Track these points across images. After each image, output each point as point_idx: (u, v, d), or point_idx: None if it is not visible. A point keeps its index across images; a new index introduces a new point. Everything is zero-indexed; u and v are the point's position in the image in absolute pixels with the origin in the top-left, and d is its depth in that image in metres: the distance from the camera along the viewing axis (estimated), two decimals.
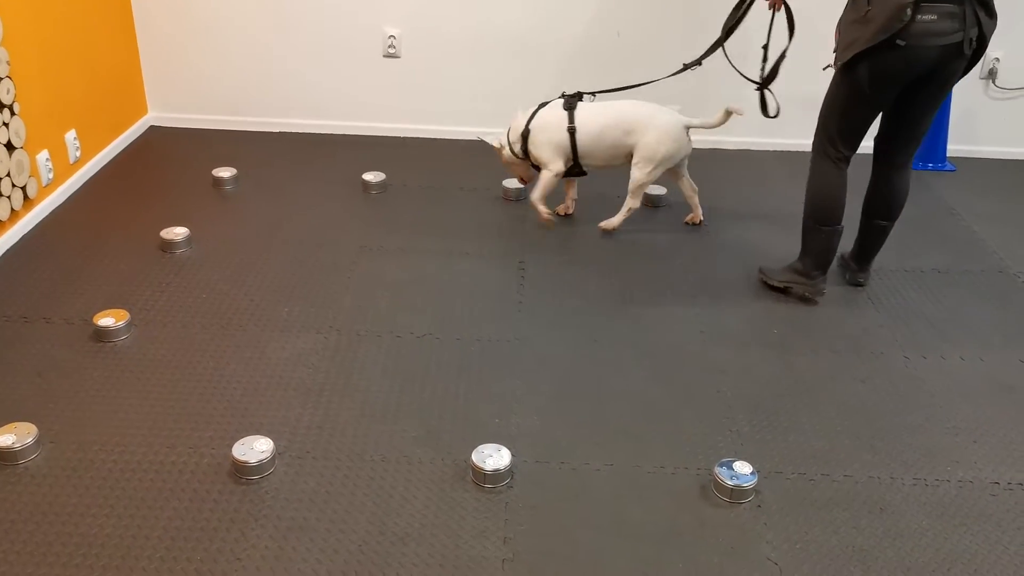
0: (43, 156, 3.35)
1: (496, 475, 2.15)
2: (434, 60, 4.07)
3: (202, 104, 4.25)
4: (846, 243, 3.01)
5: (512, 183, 3.65)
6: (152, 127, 4.27)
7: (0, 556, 1.90)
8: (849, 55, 2.61)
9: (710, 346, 2.74)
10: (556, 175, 3.32)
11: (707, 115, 3.24)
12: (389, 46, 3.95)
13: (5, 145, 3.06)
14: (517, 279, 3.08)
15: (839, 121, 2.78)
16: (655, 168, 3.24)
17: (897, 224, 3.00)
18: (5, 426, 2.22)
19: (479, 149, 3.65)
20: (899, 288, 3.11)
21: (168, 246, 3.18)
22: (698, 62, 3.22)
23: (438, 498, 2.11)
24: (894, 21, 2.49)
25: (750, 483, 2.14)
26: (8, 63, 3.05)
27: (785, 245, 3.21)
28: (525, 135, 3.30)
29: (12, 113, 3.09)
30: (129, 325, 2.70)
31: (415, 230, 3.40)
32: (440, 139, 4.23)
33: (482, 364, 2.62)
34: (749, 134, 4.17)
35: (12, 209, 3.14)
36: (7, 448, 2.15)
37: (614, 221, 3.37)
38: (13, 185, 3.14)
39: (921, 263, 3.27)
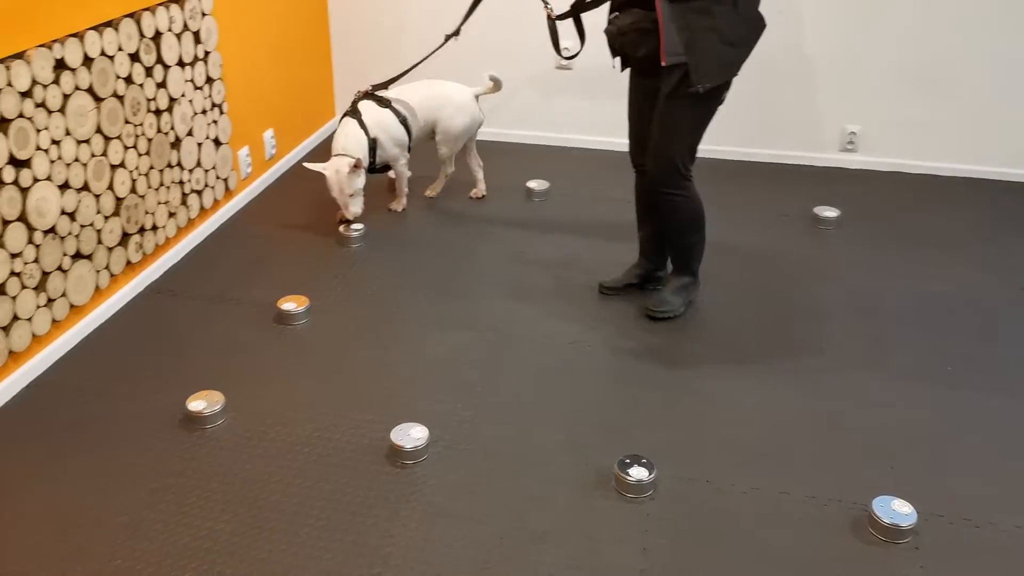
0: (244, 152, 3.68)
1: (639, 486, 2.16)
2: (607, 69, 4.12)
3: None
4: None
5: None
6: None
7: (186, 508, 2.11)
8: (726, 78, 2.57)
9: (875, 378, 2.63)
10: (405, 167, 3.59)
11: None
12: (578, 52, 4.04)
13: (213, 141, 3.39)
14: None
15: (697, 140, 2.70)
16: (457, 141, 3.61)
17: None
18: (198, 393, 2.46)
19: None
20: None
21: (345, 241, 3.41)
22: (456, 32, 3.26)
23: (579, 502, 2.16)
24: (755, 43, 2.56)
25: (909, 523, 2.04)
26: (221, 66, 3.38)
27: None
28: (373, 144, 3.37)
29: (221, 112, 3.42)
30: (308, 311, 2.92)
31: (574, 238, 3.46)
32: (606, 150, 4.28)
33: (632, 375, 2.64)
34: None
35: (215, 199, 3.47)
36: (198, 413, 2.39)
37: (438, 188, 3.78)
38: (218, 177, 3.47)
39: None
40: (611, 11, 2.66)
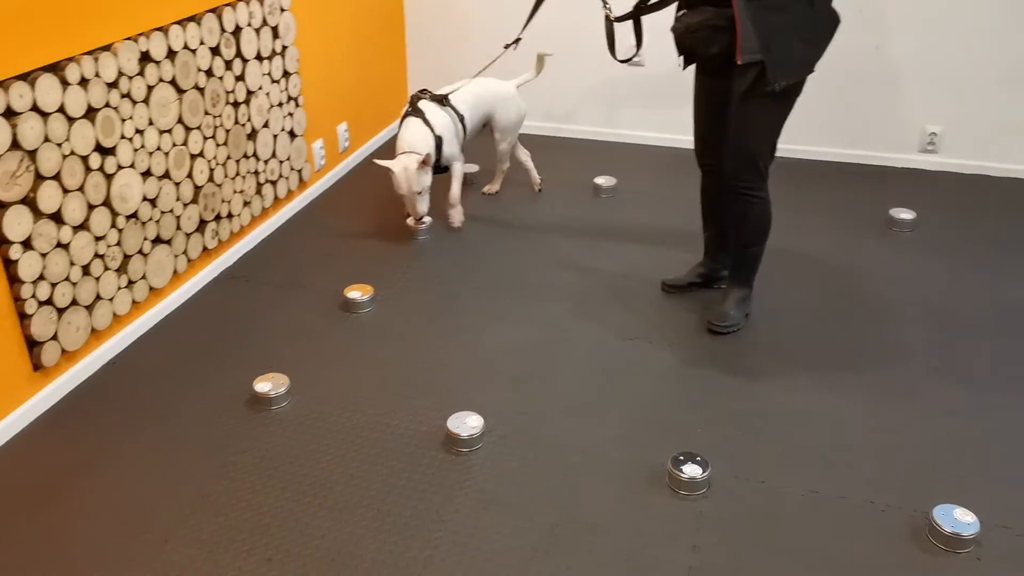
0: (318, 144, 3.78)
1: (692, 483, 2.16)
2: (675, 66, 4.09)
3: None
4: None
5: None
6: None
7: (248, 486, 2.20)
8: (803, 76, 2.50)
9: (943, 386, 2.55)
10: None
11: None
12: (635, 55, 4.02)
13: (289, 133, 3.49)
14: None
15: (775, 136, 2.64)
16: (514, 133, 3.69)
17: None
18: (264, 375, 2.55)
19: None
20: None
21: (412, 232, 3.47)
22: (516, 41, 3.17)
23: (631, 496, 2.16)
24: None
25: (971, 533, 1.98)
26: (298, 60, 3.48)
27: None
28: (439, 141, 3.37)
29: (297, 105, 3.52)
30: (372, 299, 2.99)
31: (639, 235, 3.45)
32: (674, 147, 4.25)
33: (691, 374, 2.62)
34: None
35: (289, 189, 3.58)
36: (264, 394, 2.48)
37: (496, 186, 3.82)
38: (292, 168, 3.57)
39: None
40: (678, 8, 2.63)
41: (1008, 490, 2.17)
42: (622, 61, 2.90)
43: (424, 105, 3.44)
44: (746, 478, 2.22)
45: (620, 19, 2.76)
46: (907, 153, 4.06)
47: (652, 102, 4.27)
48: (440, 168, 3.50)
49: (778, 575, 1.94)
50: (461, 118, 3.49)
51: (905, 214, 3.50)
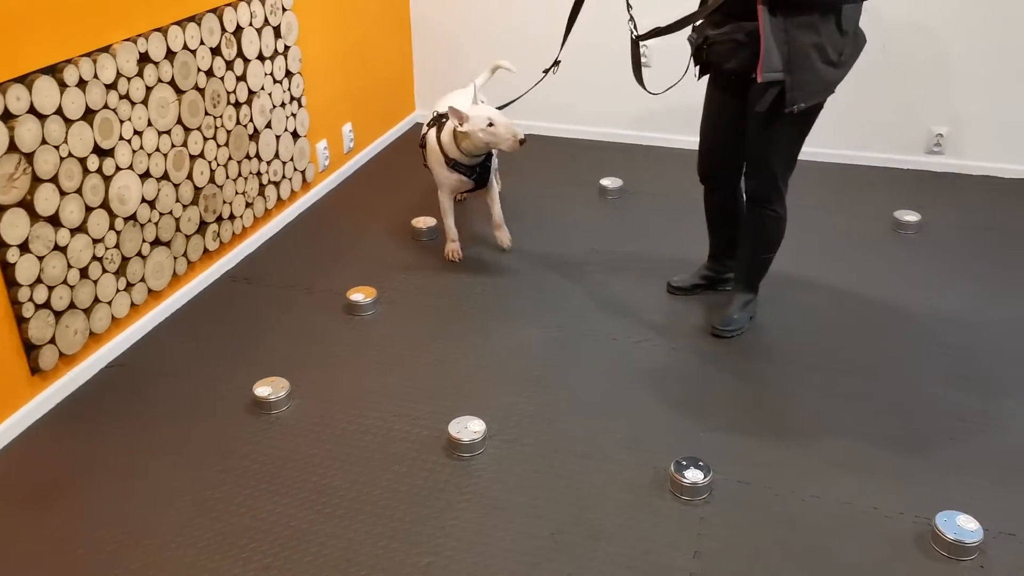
0: (322, 145, 3.77)
1: (694, 488, 2.13)
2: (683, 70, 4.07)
3: None
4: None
5: None
6: (417, 123, 4.64)
7: (248, 491, 2.18)
8: (823, 98, 2.43)
9: (947, 389, 2.53)
10: None
11: None
12: (642, 55, 3.99)
13: (292, 133, 3.48)
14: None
15: (796, 152, 2.58)
16: None
17: None
18: (264, 379, 2.54)
19: None
20: None
21: (417, 234, 3.46)
22: (556, 63, 2.91)
23: (634, 501, 2.14)
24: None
25: (974, 540, 1.96)
26: (300, 60, 3.46)
27: None
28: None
29: (300, 105, 3.51)
30: (376, 302, 2.97)
31: (646, 237, 3.43)
32: (680, 149, 4.23)
33: (697, 378, 2.60)
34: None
35: (292, 190, 3.56)
36: (264, 398, 2.47)
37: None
38: (295, 169, 3.56)
39: None
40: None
41: (1014, 496, 2.14)
42: (655, 93, 2.78)
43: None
44: (749, 482, 2.20)
45: (644, 37, 2.59)
46: (913, 155, 4.02)
47: (659, 103, 4.24)
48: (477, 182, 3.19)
49: None
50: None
51: (910, 216, 3.47)
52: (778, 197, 2.63)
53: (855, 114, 3.99)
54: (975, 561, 1.96)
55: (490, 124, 2.93)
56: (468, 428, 2.33)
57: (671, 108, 4.21)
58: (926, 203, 3.64)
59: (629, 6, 2.61)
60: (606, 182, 3.82)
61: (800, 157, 2.62)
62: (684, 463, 2.18)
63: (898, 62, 3.87)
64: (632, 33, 2.64)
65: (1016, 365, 2.63)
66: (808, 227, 3.42)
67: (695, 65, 2.61)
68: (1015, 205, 3.67)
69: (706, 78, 2.68)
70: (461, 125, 2.97)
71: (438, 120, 3.20)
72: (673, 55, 2.92)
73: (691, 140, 4.15)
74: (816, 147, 4.06)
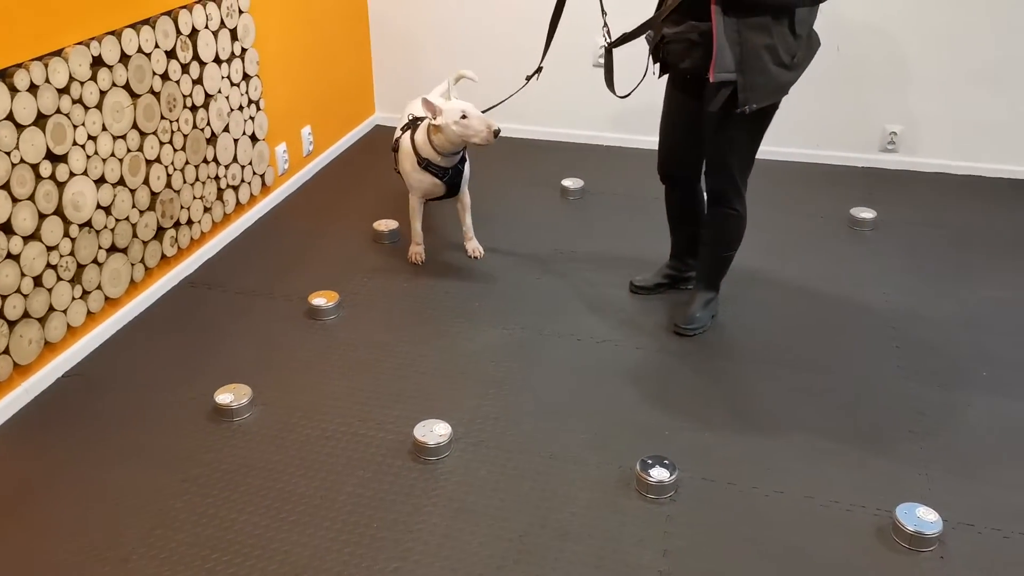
0: (281, 148, 3.73)
1: (660, 487, 2.15)
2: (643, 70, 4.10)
3: None
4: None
5: None
6: (378, 126, 4.61)
7: (211, 500, 2.15)
8: (775, 99, 2.46)
9: (906, 383, 2.58)
10: None
11: None
12: (599, 56, 4.01)
13: (250, 137, 3.44)
14: None
15: (754, 152, 2.62)
16: None
17: None
18: (225, 386, 2.50)
19: None
20: None
21: (379, 237, 3.44)
22: (538, 70, 2.92)
23: (601, 501, 2.15)
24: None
25: (934, 531, 2.00)
26: (258, 63, 3.42)
27: None
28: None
29: (258, 108, 3.47)
30: (338, 306, 2.94)
31: (608, 237, 3.45)
32: (641, 149, 4.26)
33: (660, 376, 2.62)
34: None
35: (251, 194, 3.52)
36: (225, 406, 2.43)
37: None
38: (254, 173, 3.52)
39: None
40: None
41: (974, 489, 2.19)
42: (622, 96, 2.73)
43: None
44: (714, 479, 2.22)
45: (615, 44, 2.59)
46: (868, 153, 4.10)
47: (619, 103, 4.26)
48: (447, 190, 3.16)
49: None
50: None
51: (866, 213, 3.53)
52: (737, 196, 2.66)
53: (811, 113, 4.05)
54: (935, 552, 2.00)
55: (463, 116, 2.92)
56: (434, 431, 2.32)
57: (631, 108, 4.24)
58: (881, 200, 3.71)
59: (604, 13, 2.63)
60: (567, 183, 3.83)
61: (758, 156, 2.65)
62: (649, 461, 2.20)
63: (853, 63, 3.94)
64: (605, 40, 2.65)
65: (971, 359, 2.69)
66: (767, 225, 3.47)
67: (654, 63, 2.62)
68: (967, 201, 3.75)
69: (666, 77, 2.70)
70: (435, 118, 2.96)
71: (413, 123, 3.19)
72: (631, 57, 2.93)
73: (651, 140, 4.19)
74: (773, 145, 4.11)
